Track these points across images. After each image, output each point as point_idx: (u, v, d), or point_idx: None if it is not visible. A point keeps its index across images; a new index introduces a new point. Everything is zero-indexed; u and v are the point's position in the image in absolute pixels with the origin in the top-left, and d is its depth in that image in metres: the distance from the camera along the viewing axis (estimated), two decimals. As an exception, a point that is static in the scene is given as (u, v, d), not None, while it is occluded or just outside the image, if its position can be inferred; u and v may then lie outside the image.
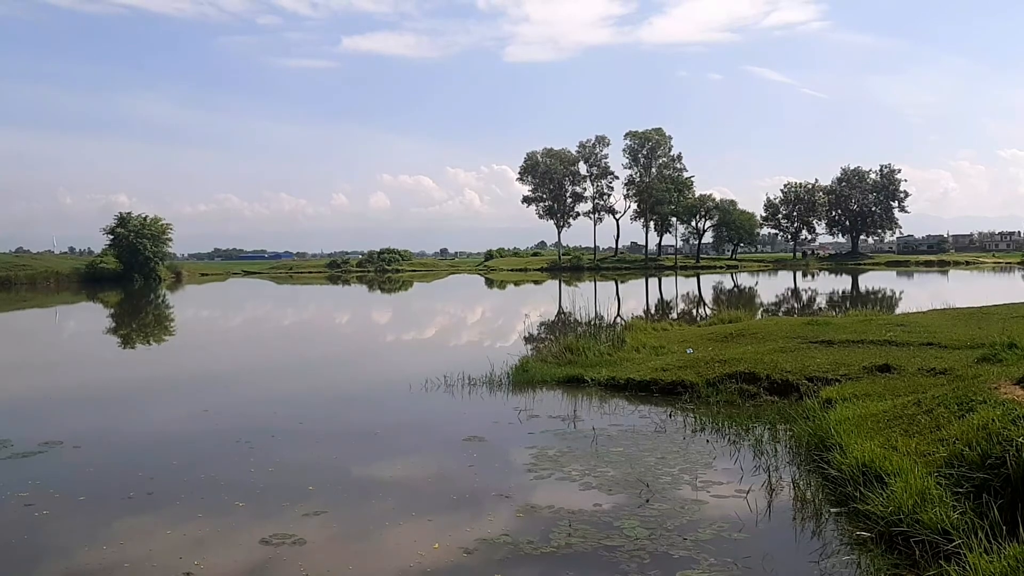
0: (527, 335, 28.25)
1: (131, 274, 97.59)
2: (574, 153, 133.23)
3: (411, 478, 10.28)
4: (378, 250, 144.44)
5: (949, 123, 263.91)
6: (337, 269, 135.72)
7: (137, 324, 41.44)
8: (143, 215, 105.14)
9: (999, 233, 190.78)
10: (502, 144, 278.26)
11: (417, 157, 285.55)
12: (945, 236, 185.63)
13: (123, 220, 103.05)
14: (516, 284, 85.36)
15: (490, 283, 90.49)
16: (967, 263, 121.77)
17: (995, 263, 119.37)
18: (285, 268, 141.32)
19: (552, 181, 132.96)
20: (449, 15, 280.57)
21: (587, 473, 9.95)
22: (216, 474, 10.31)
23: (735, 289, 65.39)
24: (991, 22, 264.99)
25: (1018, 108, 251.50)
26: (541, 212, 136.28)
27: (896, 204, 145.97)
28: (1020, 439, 7.03)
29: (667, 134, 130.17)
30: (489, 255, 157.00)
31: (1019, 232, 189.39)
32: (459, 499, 9.15)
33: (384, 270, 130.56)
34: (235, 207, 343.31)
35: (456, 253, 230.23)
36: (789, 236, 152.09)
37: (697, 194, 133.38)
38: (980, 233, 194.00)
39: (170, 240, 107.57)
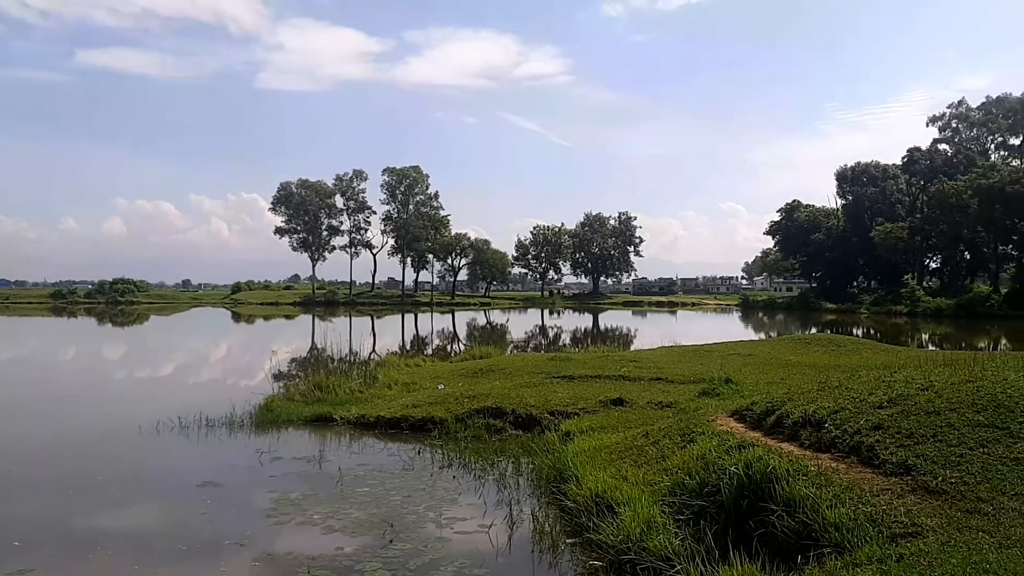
0: (275, 372, 27.11)
1: None
2: (331, 186, 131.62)
3: (138, 528, 9.46)
4: (110, 280, 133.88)
5: (678, 176, 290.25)
6: (62, 300, 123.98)
7: None
8: None
9: (720, 278, 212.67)
10: (254, 172, 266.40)
11: (158, 181, 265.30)
12: (674, 279, 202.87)
13: None
14: (266, 319, 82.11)
15: (237, 317, 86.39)
16: (693, 304, 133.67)
17: (717, 305, 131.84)
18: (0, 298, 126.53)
19: (307, 213, 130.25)
20: (197, 36, 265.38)
21: (331, 516, 9.63)
22: None
23: (487, 325, 67.25)
24: (714, 88, 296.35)
25: (735, 165, 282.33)
26: (295, 244, 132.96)
27: (632, 249, 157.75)
28: (732, 468, 7.68)
29: (424, 172, 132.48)
30: (237, 287, 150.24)
31: (737, 277, 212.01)
32: (190, 549, 8.49)
33: (117, 302, 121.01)
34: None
35: (200, 285, 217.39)
36: (538, 275, 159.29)
37: (453, 232, 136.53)
38: (704, 277, 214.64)
39: None
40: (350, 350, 32.32)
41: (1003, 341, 46.26)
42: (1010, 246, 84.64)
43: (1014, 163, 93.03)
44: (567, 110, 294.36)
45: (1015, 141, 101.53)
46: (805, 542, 6.45)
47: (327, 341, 28.97)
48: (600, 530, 7.82)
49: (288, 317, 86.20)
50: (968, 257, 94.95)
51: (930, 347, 39.79)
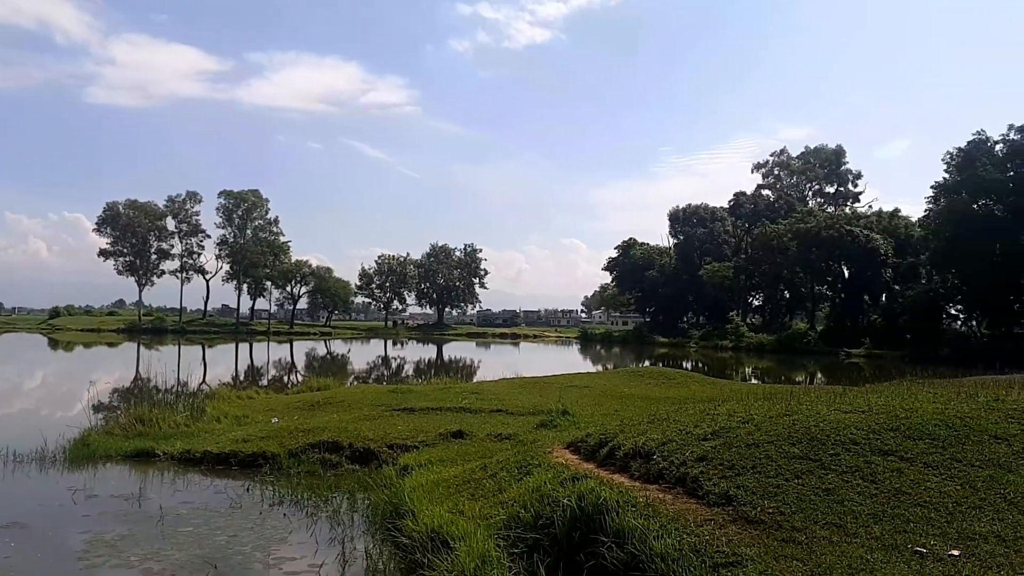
0: (95, 404, 25.29)
1: None
2: (162, 207, 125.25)
3: (-80, 581, 8.48)
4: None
5: (522, 211, 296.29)
6: None
7: None
8: None
9: (561, 311, 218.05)
10: (79, 191, 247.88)
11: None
12: (518, 312, 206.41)
13: None
14: (86, 346, 76.79)
15: (54, 344, 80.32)
16: (535, 336, 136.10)
17: (557, 337, 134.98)
18: None
19: (135, 235, 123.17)
20: (19, 44, 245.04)
21: (149, 558, 9.04)
22: None
23: (328, 356, 65.75)
24: (555, 127, 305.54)
25: (575, 203, 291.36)
26: (121, 268, 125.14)
27: (477, 280, 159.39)
28: (565, 500, 7.77)
29: (264, 196, 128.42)
30: (55, 312, 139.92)
31: (577, 311, 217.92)
32: (-17, 602, 7.72)
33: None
34: None
35: (14, 309, 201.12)
36: (382, 305, 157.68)
37: (293, 259, 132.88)
38: (547, 310, 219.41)
39: None
40: (177, 381, 30.67)
41: (818, 375, 49.84)
42: (825, 287, 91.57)
43: (829, 209, 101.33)
44: (414, 141, 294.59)
45: (830, 189, 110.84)
46: (633, 573, 6.60)
47: (152, 371, 27.37)
48: (435, 566, 7.70)
49: (111, 345, 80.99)
50: (787, 296, 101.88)
51: (752, 380, 42.24)
